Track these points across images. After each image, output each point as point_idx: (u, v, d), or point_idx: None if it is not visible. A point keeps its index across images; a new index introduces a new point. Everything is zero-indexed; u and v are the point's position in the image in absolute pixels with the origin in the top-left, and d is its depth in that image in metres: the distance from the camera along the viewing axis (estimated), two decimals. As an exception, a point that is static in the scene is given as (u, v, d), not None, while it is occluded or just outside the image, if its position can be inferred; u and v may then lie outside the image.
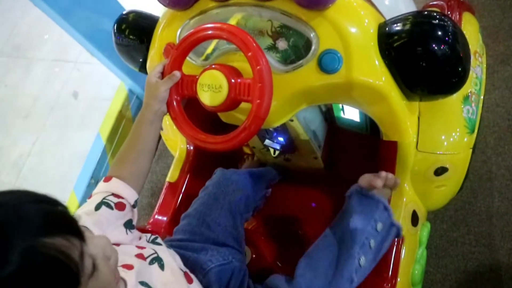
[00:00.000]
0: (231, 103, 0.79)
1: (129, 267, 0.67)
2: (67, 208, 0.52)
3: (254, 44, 0.75)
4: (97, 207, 0.74)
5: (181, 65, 0.85)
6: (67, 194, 1.68)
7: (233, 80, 0.77)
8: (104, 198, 0.75)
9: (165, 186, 1.14)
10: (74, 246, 0.49)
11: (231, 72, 0.78)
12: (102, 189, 0.78)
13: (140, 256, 0.74)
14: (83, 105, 2.15)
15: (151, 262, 0.73)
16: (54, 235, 0.47)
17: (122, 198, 0.78)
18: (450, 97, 0.91)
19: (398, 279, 0.92)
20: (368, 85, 0.81)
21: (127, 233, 0.77)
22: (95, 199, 0.76)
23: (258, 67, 0.74)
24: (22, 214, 0.47)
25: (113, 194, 0.77)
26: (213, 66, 0.80)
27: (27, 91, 2.39)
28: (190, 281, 0.78)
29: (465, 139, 0.98)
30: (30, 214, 0.47)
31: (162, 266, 0.73)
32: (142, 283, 0.67)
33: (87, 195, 1.62)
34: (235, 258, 0.87)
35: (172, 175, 1.15)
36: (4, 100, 2.44)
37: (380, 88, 0.82)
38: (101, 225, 0.72)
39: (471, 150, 1.00)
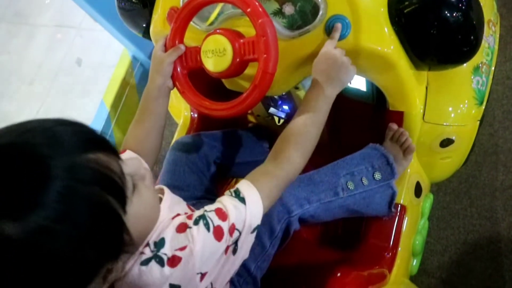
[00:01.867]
0: (237, 66, 0.77)
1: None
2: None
3: (253, 2, 0.73)
4: None
5: (182, 36, 0.83)
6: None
7: (236, 42, 0.76)
8: None
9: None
10: (115, 162, 0.50)
11: (234, 35, 0.76)
12: None
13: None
14: (86, 72, 2.13)
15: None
16: (94, 151, 0.48)
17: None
18: (460, 67, 0.89)
19: (399, 249, 0.93)
20: (376, 53, 0.79)
21: None
22: None
23: (260, 21, 0.72)
24: (57, 134, 0.47)
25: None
26: (216, 30, 0.78)
27: (31, 57, 2.37)
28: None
29: (473, 111, 0.96)
30: (64, 133, 0.47)
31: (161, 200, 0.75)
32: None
33: (92, 162, 1.63)
34: None
35: (176, 142, 1.15)
36: (7, 67, 2.43)
37: (388, 56, 0.80)
38: None
39: (478, 122, 0.99)
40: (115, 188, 0.49)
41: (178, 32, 0.83)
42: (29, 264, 0.42)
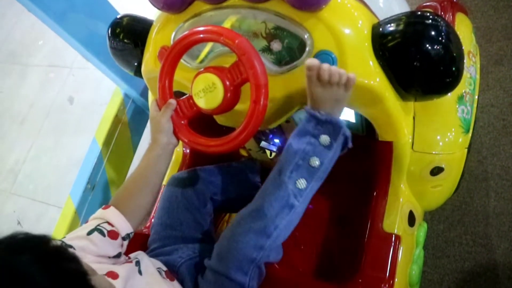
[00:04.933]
0: (231, 95, 0.79)
1: (114, 275, 0.68)
2: (67, 246, 0.53)
3: (224, 29, 0.76)
4: (89, 233, 0.73)
5: (171, 92, 0.86)
6: (63, 200, 1.67)
7: (222, 73, 0.78)
8: (98, 225, 0.75)
9: (162, 190, 1.13)
10: None
11: (218, 68, 0.79)
12: (98, 216, 0.78)
13: (127, 261, 0.77)
14: (78, 110, 2.15)
15: (136, 264, 0.77)
16: None
17: (116, 227, 0.77)
18: (445, 97, 0.91)
19: (396, 280, 0.91)
20: (363, 85, 0.81)
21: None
22: (90, 225, 0.76)
23: (236, 42, 0.75)
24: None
25: (108, 223, 0.76)
26: (200, 71, 0.81)
27: (23, 97, 2.38)
28: (172, 279, 0.80)
29: (460, 139, 0.98)
30: (40, 283, 0.46)
31: (140, 272, 0.76)
32: None
33: (83, 200, 1.61)
34: (205, 250, 0.88)
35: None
36: (0, 106, 2.44)
37: (375, 89, 0.82)
38: (88, 249, 0.71)
39: (466, 150, 1.01)
40: None
41: (165, 89, 0.85)
42: None
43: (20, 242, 0.49)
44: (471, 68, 1.03)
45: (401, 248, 0.94)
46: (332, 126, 0.79)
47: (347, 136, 0.81)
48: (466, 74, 1.00)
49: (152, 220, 0.99)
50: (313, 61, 0.75)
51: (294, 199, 0.79)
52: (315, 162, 0.79)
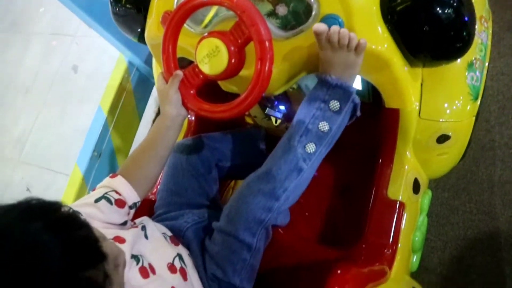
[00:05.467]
0: (236, 57, 0.77)
1: (121, 240, 0.70)
2: (77, 213, 0.54)
3: None
4: (97, 200, 0.74)
5: (175, 63, 0.85)
6: (70, 168, 1.69)
7: (224, 35, 0.77)
8: (105, 193, 0.76)
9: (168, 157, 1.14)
10: (100, 272, 0.51)
11: (220, 32, 0.78)
12: (105, 184, 0.78)
13: (132, 226, 0.78)
14: (83, 79, 2.14)
15: (142, 229, 0.78)
16: (84, 270, 0.48)
17: (123, 196, 0.78)
18: (454, 63, 0.90)
19: (399, 245, 0.93)
20: (370, 51, 0.79)
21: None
22: (97, 193, 0.76)
23: (234, 1, 0.73)
24: (45, 256, 0.46)
25: (115, 191, 0.77)
26: (203, 36, 0.79)
27: (27, 66, 2.37)
28: (176, 244, 0.82)
29: (468, 107, 0.97)
30: (52, 250, 0.47)
31: (146, 236, 0.77)
32: (133, 256, 0.70)
33: (90, 167, 1.63)
34: (211, 216, 0.90)
35: (174, 146, 1.15)
36: (4, 76, 2.43)
37: (382, 54, 0.81)
38: (95, 217, 0.72)
39: (474, 118, 0.99)
40: None
41: (170, 60, 0.84)
42: None
43: (33, 208, 0.50)
44: (483, 33, 1.00)
45: (405, 215, 0.95)
46: (342, 91, 0.80)
47: (356, 103, 0.82)
48: (477, 40, 0.97)
49: (158, 186, 1.00)
50: (320, 26, 0.75)
51: (303, 163, 0.80)
52: (325, 127, 0.80)
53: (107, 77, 1.69)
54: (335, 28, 0.75)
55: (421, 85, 0.94)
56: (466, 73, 0.95)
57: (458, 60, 0.89)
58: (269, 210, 0.79)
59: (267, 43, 0.73)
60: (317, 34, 0.75)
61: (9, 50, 2.48)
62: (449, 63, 0.87)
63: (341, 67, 0.79)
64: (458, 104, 0.96)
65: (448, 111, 0.96)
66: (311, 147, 0.80)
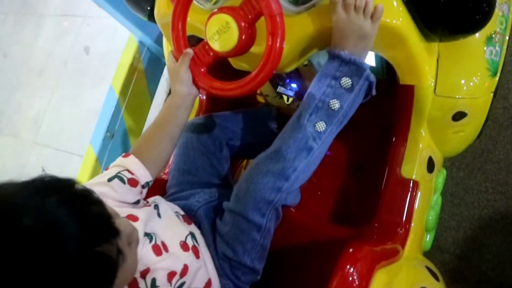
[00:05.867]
0: (247, 33, 0.76)
1: (134, 218, 0.71)
2: (90, 190, 0.54)
3: None
4: (110, 179, 0.75)
5: (185, 41, 0.84)
6: (84, 148, 1.71)
7: (234, 11, 0.75)
8: (118, 172, 0.76)
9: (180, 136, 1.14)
10: (114, 247, 0.52)
11: (229, 7, 0.76)
12: (118, 164, 0.79)
13: (145, 205, 0.79)
14: (95, 60, 2.14)
15: (154, 207, 0.79)
16: (99, 245, 0.49)
17: (135, 175, 0.78)
18: (472, 37, 0.86)
19: (412, 224, 0.92)
20: (385, 25, 0.77)
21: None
22: (110, 172, 0.77)
23: None
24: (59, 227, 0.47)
25: (128, 170, 0.77)
26: (212, 12, 0.78)
27: (39, 48, 2.38)
28: (189, 222, 0.83)
29: (486, 83, 0.94)
30: (69, 225, 0.47)
31: (159, 215, 0.78)
32: (146, 234, 0.71)
33: (104, 148, 1.65)
34: (222, 195, 0.89)
35: (185, 125, 1.15)
36: (18, 58, 2.45)
37: (398, 29, 0.78)
38: (109, 195, 0.73)
39: (492, 94, 0.96)
40: (110, 274, 0.51)
41: (180, 39, 0.83)
42: None
43: (47, 184, 0.50)
44: (504, 5, 0.96)
45: (419, 193, 0.93)
46: (355, 67, 0.77)
47: (371, 81, 0.79)
48: (497, 12, 0.93)
49: (170, 166, 1.01)
50: None
51: (312, 142, 0.78)
52: (335, 105, 0.78)
53: (119, 57, 1.69)
54: None
55: (437, 60, 0.91)
56: (485, 47, 0.91)
57: (477, 33, 0.86)
58: (279, 191, 0.78)
59: (278, 18, 0.71)
60: None
61: (22, 32, 2.49)
62: (467, 37, 0.84)
63: (354, 39, 0.75)
64: (476, 80, 0.93)
65: (465, 88, 0.93)
66: (321, 126, 0.78)
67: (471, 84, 0.93)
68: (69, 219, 0.47)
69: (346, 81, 0.78)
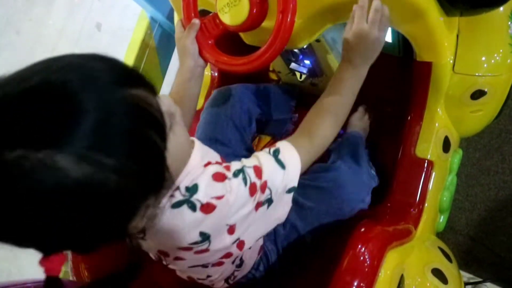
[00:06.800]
0: (257, 8, 0.74)
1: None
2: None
3: None
4: None
5: (196, 11, 0.81)
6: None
7: None
8: None
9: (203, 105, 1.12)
10: (153, 98, 0.49)
11: None
12: None
13: None
14: (107, 37, 2.13)
15: None
16: (132, 87, 0.46)
17: None
18: (496, 11, 0.82)
19: (426, 205, 0.91)
20: (403, -1, 0.74)
21: None
22: None
23: None
24: (93, 70, 0.45)
25: None
26: None
27: (51, 24, 2.37)
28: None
29: (509, 60, 0.90)
30: (101, 69, 0.46)
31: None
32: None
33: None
34: None
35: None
36: (30, 34, 2.45)
37: (416, 2, 0.75)
38: None
39: (514, 72, 0.93)
40: (156, 123, 0.48)
41: (190, 7, 0.81)
42: (80, 198, 0.41)
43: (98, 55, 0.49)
44: (530, -22, 0.91)
45: (433, 173, 0.91)
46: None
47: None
48: (523, -15, 0.89)
49: (196, 135, 0.98)
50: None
51: None
52: None
53: (130, 34, 1.67)
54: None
55: (457, 36, 0.87)
56: (509, 22, 0.87)
57: (501, 7, 0.81)
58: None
59: None
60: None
61: (33, 8, 2.48)
62: (490, 11, 0.80)
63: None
64: (497, 57, 0.89)
65: (485, 65, 0.89)
66: None
67: (493, 61, 0.89)
68: (108, 76, 0.47)
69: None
